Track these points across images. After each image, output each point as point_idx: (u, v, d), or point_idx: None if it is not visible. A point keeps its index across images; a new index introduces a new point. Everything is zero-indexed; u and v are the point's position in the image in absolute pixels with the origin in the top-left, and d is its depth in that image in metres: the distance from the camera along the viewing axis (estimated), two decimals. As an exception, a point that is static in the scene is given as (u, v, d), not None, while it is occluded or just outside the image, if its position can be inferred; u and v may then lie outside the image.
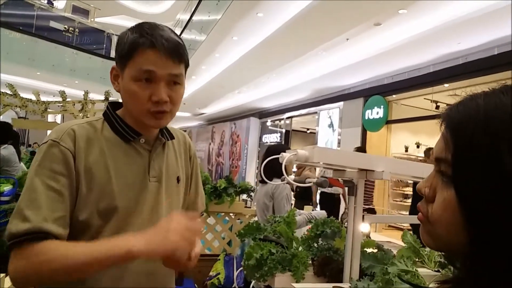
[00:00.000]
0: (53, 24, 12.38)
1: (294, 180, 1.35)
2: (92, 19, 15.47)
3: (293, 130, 11.79)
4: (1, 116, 11.17)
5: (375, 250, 1.50)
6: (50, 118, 13.53)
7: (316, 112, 9.65)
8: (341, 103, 8.49)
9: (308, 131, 12.22)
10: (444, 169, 0.45)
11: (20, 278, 0.81)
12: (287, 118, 11.36)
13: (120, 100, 1.02)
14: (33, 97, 10.53)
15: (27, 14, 12.66)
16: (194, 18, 9.09)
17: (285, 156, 1.26)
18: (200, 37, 8.04)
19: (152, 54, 0.90)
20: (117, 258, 0.79)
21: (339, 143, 8.58)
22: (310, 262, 1.47)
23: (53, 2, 14.44)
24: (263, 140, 12.75)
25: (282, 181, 1.63)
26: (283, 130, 11.64)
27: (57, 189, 0.86)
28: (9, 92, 10.20)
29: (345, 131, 8.38)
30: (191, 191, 1.17)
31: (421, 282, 1.23)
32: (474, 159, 0.41)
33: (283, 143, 11.42)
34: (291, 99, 10.45)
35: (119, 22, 16.16)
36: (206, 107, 13.97)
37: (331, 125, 9.00)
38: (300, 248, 1.53)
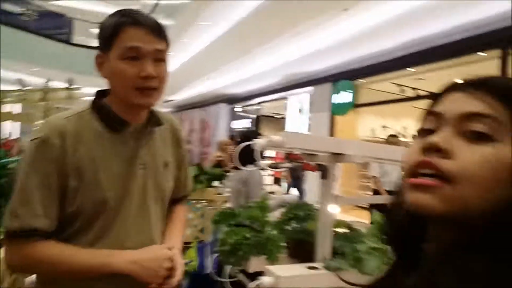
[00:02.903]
0: (8, 6, 11.62)
1: (268, 165, 1.36)
2: (51, 2, 14.66)
3: (263, 115, 11.83)
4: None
5: (346, 230, 1.56)
6: (8, 108, 12.81)
7: (285, 98, 9.71)
8: (310, 88, 8.58)
9: (278, 116, 12.29)
10: (482, 128, 0.44)
11: (15, 268, 1.00)
12: (257, 103, 11.36)
13: (101, 88, 1.03)
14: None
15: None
16: (161, 2, 8.82)
17: (259, 142, 1.27)
18: (168, 21, 7.82)
19: (136, 31, 0.93)
20: (98, 269, 0.90)
21: (308, 128, 8.71)
22: (284, 244, 1.51)
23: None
24: (233, 126, 12.72)
25: (255, 167, 1.65)
26: (253, 116, 11.65)
27: (47, 185, 0.90)
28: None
29: (314, 115, 8.50)
30: (182, 173, 1.20)
31: (390, 259, 1.29)
32: None
33: (253, 128, 11.46)
34: (260, 85, 10.44)
35: (80, 5, 15.38)
36: (174, 94, 13.71)
37: (300, 110, 9.09)
38: (274, 232, 1.55)
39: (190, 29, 7.16)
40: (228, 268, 1.51)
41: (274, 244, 1.44)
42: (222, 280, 1.48)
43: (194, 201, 3.31)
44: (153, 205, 1.05)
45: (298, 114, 9.17)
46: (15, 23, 11.43)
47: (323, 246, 1.40)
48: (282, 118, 10.35)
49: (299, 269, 1.31)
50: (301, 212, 1.60)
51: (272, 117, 12.77)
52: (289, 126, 9.56)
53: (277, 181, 10.42)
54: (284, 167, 1.55)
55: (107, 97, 1.02)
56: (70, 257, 0.90)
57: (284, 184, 9.45)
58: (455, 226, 0.46)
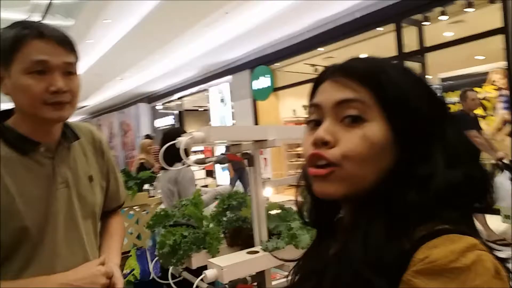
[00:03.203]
0: None
1: (195, 162, 1.37)
2: None
3: (185, 110, 11.66)
4: None
5: (279, 211, 1.63)
6: None
7: (206, 89, 9.66)
8: (230, 76, 8.64)
9: (201, 109, 12.19)
10: (354, 111, 0.51)
11: None
12: (178, 99, 11.14)
13: (7, 107, 0.94)
14: None
15: None
16: (54, 1, 8.10)
17: (182, 141, 1.26)
18: (67, 22, 7.23)
19: (42, 44, 0.86)
20: None
21: (233, 116, 8.79)
22: (222, 235, 1.54)
23: None
24: (156, 125, 12.33)
25: (183, 165, 1.64)
26: (176, 112, 11.41)
27: None
28: None
29: (236, 103, 8.59)
30: (112, 184, 1.15)
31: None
32: (401, 93, 0.51)
33: (176, 125, 11.23)
34: (179, 79, 10.23)
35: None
36: (86, 99, 12.83)
37: (222, 100, 9.13)
38: (211, 225, 1.57)
39: (93, 28, 6.72)
40: (170, 269, 1.50)
41: (213, 237, 1.46)
42: (166, 282, 1.47)
43: (127, 208, 3.18)
44: (83, 223, 1.00)
45: (221, 104, 9.19)
46: None
47: (259, 230, 1.45)
48: (206, 110, 10.29)
49: (240, 256, 1.35)
50: (234, 202, 1.63)
51: (196, 110, 12.64)
52: (213, 117, 9.55)
53: (209, 173, 10.39)
54: (212, 161, 1.57)
55: (12, 117, 0.93)
56: None
57: (221, 175, 9.45)
58: (354, 200, 0.53)
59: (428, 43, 5.23)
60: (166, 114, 12.01)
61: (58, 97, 0.88)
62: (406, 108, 0.51)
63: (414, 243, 0.44)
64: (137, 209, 3.22)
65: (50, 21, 8.75)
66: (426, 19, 5.28)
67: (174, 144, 1.28)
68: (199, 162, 1.36)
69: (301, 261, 0.66)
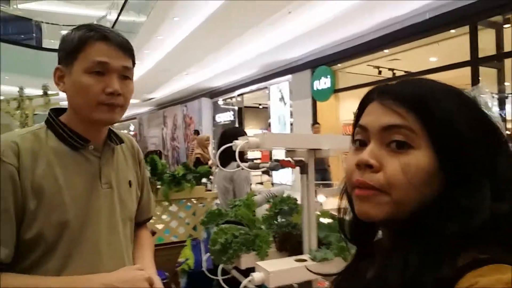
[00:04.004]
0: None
1: (248, 167, 1.41)
2: (15, 6, 14.18)
3: (245, 106, 11.85)
4: None
5: (330, 220, 1.62)
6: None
7: (266, 87, 9.74)
8: (290, 76, 8.63)
9: (261, 107, 12.32)
10: (400, 137, 0.51)
11: None
12: (239, 95, 11.36)
13: (62, 105, 0.99)
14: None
15: None
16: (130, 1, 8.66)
17: (238, 144, 1.31)
18: (140, 18, 7.72)
19: (104, 46, 0.90)
20: None
21: (291, 115, 8.77)
22: (272, 239, 1.56)
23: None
24: (216, 120, 12.70)
25: (237, 166, 1.67)
26: (236, 108, 11.65)
27: (4, 209, 0.82)
28: None
29: (295, 103, 8.56)
30: (145, 195, 1.17)
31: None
32: (449, 122, 0.50)
33: (236, 121, 11.46)
34: (240, 76, 10.43)
35: (48, 8, 14.93)
36: (154, 92, 13.57)
37: (282, 98, 9.15)
38: (262, 227, 1.61)
39: (163, 25, 7.09)
40: (220, 266, 1.56)
41: (263, 240, 1.49)
42: (216, 278, 1.54)
43: (185, 200, 3.34)
44: (122, 226, 1.01)
45: (280, 103, 9.22)
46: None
47: (309, 238, 1.46)
48: (265, 108, 10.39)
49: (287, 263, 1.37)
50: (285, 207, 1.65)
51: (256, 107, 12.81)
52: (273, 115, 9.61)
53: (266, 171, 10.48)
54: (264, 167, 1.59)
55: (64, 114, 0.97)
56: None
57: (277, 173, 9.46)
58: (395, 226, 0.53)
59: (507, 47, 4.80)
60: (227, 110, 12.31)
61: (112, 99, 0.91)
62: (454, 137, 0.50)
63: (457, 271, 0.44)
64: (194, 201, 3.37)
65: (124, 17, 9.37)
66: (507, 21, 4.84)
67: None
68: (253, 167, 1.39)
69: (341, 277, 0.67)
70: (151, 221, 3.32)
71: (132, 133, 22.76)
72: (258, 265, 1.33)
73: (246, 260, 1.47)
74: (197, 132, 8.04)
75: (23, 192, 0.84)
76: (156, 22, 6.98)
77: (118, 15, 9.66)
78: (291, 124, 8.79)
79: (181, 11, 6.33)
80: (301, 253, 1.47)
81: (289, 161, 1.38)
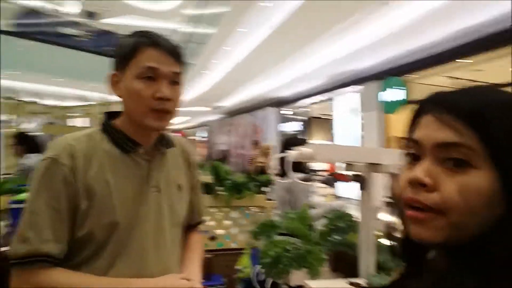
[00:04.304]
0: (65, 30, 12.64)
1: (300, 178, 1.35)
2: (101, 21, 15.65)
3: (312, 117, 11.69)
4: (31, 124, 11.60)
5: (392, 243, 1.49)
6: (75, 122, 13.88)
7: (331, 98, 9.52)
8: (359, 86, 8.33)
9: (327, 117, 12.07)
10: (458, 155, 0.47)
11: None
12: (305, 105, 11.25)
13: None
14: (57, 103, 10.87)
15: (40, 22, 13.00)
16: (202, 12, 9.07)
17: (291, 154, 1.26)
18: (209, 30, 8.04)
19: (154, 52, 0.93)
20: None
21: (362, 128, 8.44)
22: (326, 257, 1.48)
23: (61, 8, 14.67)
24: (282, 129, 12.70)
25: (294, 177, 1.60)
26: (302, 118, 11.55)
27: (57, 208, 0.87)
28: (35, 100, 10.56)
29: (364, 115, 8.23)
30: (196, 198, 1.18)
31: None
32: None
33: (302, 131, 11.36)
34: (307, 86, 10.33)
35: (128, 22, 16.24)
36: (223, 100, 14.01)
37: (349, 110, 8.86)
38: (315, 244, 1.53)
39: (231, 36, 7.29)
40: (270, 279, 1.51)
41: (315, 257, 1.42)
42: (265, 291, 1.49)
43: (244, 207, 3.35)
44: (169, 230, 1.01)
45: (348, 114, 8.94)
46: (71, 44, 12.34)
47: (366, 261, 1.35)
48: (331, 119, 10.16)
49: (340, 285, 1.27)
50: (342, 224, 1.55)
51: (322, 118, 12.59)
52: (336, 127, 9.35)
53: (331, 184, 10.22)
54: (319, 180, 1.51)
55: (118, 118, 1.02)
56: (81, 286, 0.85)
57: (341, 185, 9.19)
58: (451, 249, 0.51)
59: None
60: (293, 120, 12.26)
61: (162, 104, 0.93)
62: None
63: None
64: (254, 210, 3.37)
65: (195, 29, 9.83)
66: None
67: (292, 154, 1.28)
68: (305, 179, 1.33)
69: None
70: (211, 225, 3.38)
71: (204, 139, 23.71)
72: (307, 284, 1.26)
73: (296, 277, 1.41)
74: (255, 142, 8.16)
75: (75, 192, 0.88)
76: (225, 33, 7.21)
77: (190, 28, 10.17)
78: (362, 137, 8.45)
79: (248, 23, 6.46)
80: (356, 276, 1.36)
81: (343, 174, 1.29)
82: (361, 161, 1.31)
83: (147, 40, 0.94)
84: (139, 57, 0.93)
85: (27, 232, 0.84)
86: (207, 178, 3.38)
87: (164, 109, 0.94)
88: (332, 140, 9.82)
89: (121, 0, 15.29)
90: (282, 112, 12.77)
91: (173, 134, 1.15)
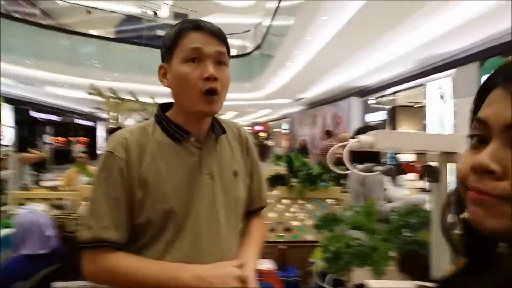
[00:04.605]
0: (159, 32, 13.68)
1: (361, 170, 1.24)
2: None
3: (399, 106, 10.93)
4: (130, 120, 12.90)
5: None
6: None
7: (422, 84, 8.76)
8: (453, 70, 7.53)
9: (417, 106, 11.17)
10: None
11: (91, 278, 0.96)
12: (391, 94, 10.56)
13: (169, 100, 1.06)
14: (150, 101, 11.89)
15: (138, 27, 14.29)
16: (281, 4, 9.04)
17: (350, 144, 1.16)
18: (289, 21, 7.97)
19: (197, 35, 0.95)
20: (166, 283, 0.88)
21: (454, 116, 7.66)
22: (393, 256, 1.35)
23: (157, 13, 15.92)
24: (366, 119, 12.13)
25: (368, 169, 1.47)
26: (388, 107, 10.88)
27: (115, 197, 0.93)
28: (131, 98, 11.68)
29: (460, 101, 7.42)
30: (255, 183, 1.16)
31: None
32: None
33: (388, 120, 10.72)
34: (393, 73, 9.68)
35: (216, 20, 16.98)
36: (304, 91, 13.86)
37: (442, 96, 8.07)
38: (381, 241, 1.41)
39: (311, 25, 7.12)
40: (331, 275, 1.43)
41: (381, 255, 1.30)
42: (325, 287, 1.42)
43: (320, 200, 3.27)
44: (224, 216, 1.02)
45: (440, 102, 8.16)
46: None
47: (439, 262, 1.19)
48: (422, 107, 9.37)
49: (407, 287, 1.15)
50: (413, 219, 1.40)
51: (411, 106, 11.70)
52: (429, 115, 8.60)
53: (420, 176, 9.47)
54: (378, 171, 1.37)
55: (170, 109, 1.04)
56: (139, 270, 0.90)
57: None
58: None
59: None
60: (378, 109, 11.63)
61: (210, 83, 0.93)
62: None
63: None
64: (329, 202, 3.26)
65: (276, 21, 9.85)
66: None
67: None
68: (366, 170, 1.22)
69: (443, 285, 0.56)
70: (286, 217, 3.35)
71: (284, 131, 23.87)
72: (368, 283, 1.16)
73: (358, 275, 1.31)
74: (328, 133, 7.84)
75: (131, 182, 0.94)
76: (304, 23, 7.07)
77: (272, 20, 10.22)
78: (455, 126, 7.66)
79: (328, 9, 6.24)
80: (427, 279, 1.22)
81: (410, 164, 1.15)
82: (433, 150, 1.16)
83: (189, 25, 0.96)
84: (183, 42, 0.95)
85: (90, 220, 0.92)
86: (281, 169, 3.36)
87: (212, 88, 0.94)
88: (423, 130, 9.08)
89: (208, 0, 16.17)
90: (366, 101, 12.19)
91: (228, 120, 1.15)
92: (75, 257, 1.02)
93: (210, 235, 0.98)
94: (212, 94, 0.94)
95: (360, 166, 1.23)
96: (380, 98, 11.36)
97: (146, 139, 0.98)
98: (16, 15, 11.81)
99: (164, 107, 1.06)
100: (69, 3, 14.00)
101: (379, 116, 11.45)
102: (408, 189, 3.77)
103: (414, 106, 11.09)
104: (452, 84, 7.66)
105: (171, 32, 0.98)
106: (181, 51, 0.95)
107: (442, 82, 8.03)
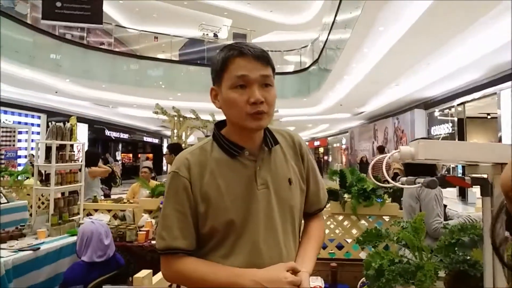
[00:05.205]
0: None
1: (401, 182, 1.17)
2: (252, 41, 17.08)
3: (468, 117, 10.16)
4: (192, 137, 13.49)
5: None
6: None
7: (495, 93, 8.07)
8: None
9: (489, 117, 10.30)
10: None
11: (168, 279, 1.13)
12: (459, 104, 9.86)
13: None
14: (210, 118, 12.34)
15: (200, 49, 15.02)
16: (337, 18, 8.96)
17: (393, 155, 1.12)
18: (346, 35, 7.86)
19: (242, 61, 1.01)
20: (228, 285, 0.98)
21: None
22: (444, 275, 1.25)
23: (217, 34, 16.62)
24: (432, 132, 11.42)
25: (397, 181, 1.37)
26: (455, 119, 10.16)
27: (182, 212, 1.04)
28: (193, 116, 12.23)
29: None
30: (312, 188, 1.19)
31: None
32: None
33: (456, 133, 9.99)
34: (460, 82, 9.06)
35: (273, 39, 17.29)
36: (364, 105, 13.47)
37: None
38: (431, 259, 1.31)
39: (367, 37, 6.96)
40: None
41: (427, 274, 1.21)
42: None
43: (376, 217, 3.13)
44: (280, 223, 1.07)
45: (514, 111, 7.45)
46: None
47: (493, 284, 1.09)
48: (494, 118, 8.62)
49: (454, 309, 1.06)
50: (465, 237, 1.29)
51: (482, 118, 10.82)
52: (504, 126, 7.87)
53: (462, 192, 8.77)
54: (419, 183, 1.25)
55: (225, 128, 1.12)
56: (206, 273, 1.02)
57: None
58: None
59: None
60: (444, 121, 10.91)
61: (257, 107, 0.99)
62: None
63: None
64: (386, 219, 3.11)
65: (333, 35, 9.76)
66: None
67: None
68: (407, 183, 1.15)
69: None
70: (340, 234, 3.23)
71: (344, 146, 23.28)
72: (410, 304, 1.08)
73: (402, 294, 1.23)
74: (381, 148, 7.62)
75: (194, 198, 1.05)
76: (361, 34, 6.93)
77: (328, 35, 10.16)
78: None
79: (385, 20, 6.06)
80: (479, 301, 1.11)
81: (458, 177, 1.06)
82: (481, 161, 1.07)
83: (234, 51, 1.02)
84: (229, 69, 1.01)
85: (162, 232, 1.05)
86: (335, 184, 3.28)
87: (259, 111, 1.01)
88: (498, 142, 8.33)
89: (265, 18, 16.57)
90: (431, 113, 11.50)
91: (283, 128, 1.21)
92: (132, 265, 1.14)
93: (267, 241, 1.05)
94: (259, 114, 1.02)
95: (403, 179, 1.17)
96: (446, 110, 10.66)
97: (205, 158, 1.08)
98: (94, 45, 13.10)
99: (219, 126, 1.15)
100: (139, 31, 15.21)
101: (446, 129, 10.73)
102: (476, 207, 3.45)
103: (487, 117, 10.24)
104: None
105: (219, 57, 1.05)
106: (228, 78, 1.02)
107: (518, 90, 7.34)
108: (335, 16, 9.14)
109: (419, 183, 1.08)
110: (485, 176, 1.13)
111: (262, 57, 1.02)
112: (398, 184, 1.17)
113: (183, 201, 1.03)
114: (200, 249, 1.07)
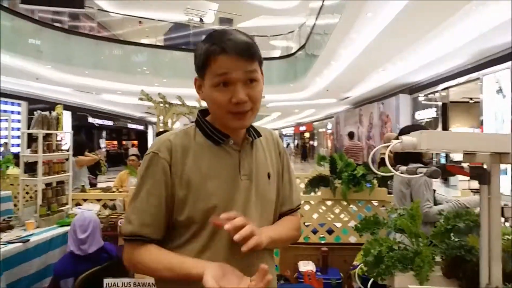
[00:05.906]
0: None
1: (402, 171, 1.19)
2: (237, 26, 16.84)
3: (451, 102, 10.34)
4: (177, 123, 13.37)
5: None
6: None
7: (478, 78, 8.22)
8: (509, 62, 7.01)
9: (472, 101, 10.50)
10: None
11: (127, 265, 1.04)
12: (443, 89, 10.02)
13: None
14: (197, 104, 12.22)
15: (185, 34, 14.76)
16: (325, 3, 8.90)
17: (394, 145, 1.13)
18: (333, 20, 7.82)
19: (224, 59, 0.95)
20: (183, 276, 0.92)
21: (513, 111, 7.12)
22: (440, 261, 1.28)
23: (203, 19, 16.32)
24: (416, 117, 11.60)
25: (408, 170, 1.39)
26: (439, 104, 10.33)
27: (157, 196, 0.98)
28: (179, 102, 12.09)
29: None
30: (285, 186, 1.18)
31: None
32: None
33: (440, 118, 10.18)
34: (445, 68, 9.18)
35: (260, 23, 17.08)
36: (350, 90, 13.54)
37: (499, 90, 7.53)
38: (429, 245, 1.34)
39: (356, 23, 6.95)
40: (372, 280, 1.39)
41: (425, 259, 1.24)
42: (367, 293, 1.38)
43: (365, 201, 3.18)
44: (258, 217, 1.04)
45: (497, 96, 7.62)
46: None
47: (489, 269, 1.12)
48: (477, 102, 8.80)
49: (453, 294, 1.09)
50: (461, 224, 1.32)
51: (465, 102, 11.03)
52: (486, 111, 8.06)
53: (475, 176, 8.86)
54: (421, 172, 1.29)
55: (210, 115, 1.08)
56: (161, 263, 0.96)
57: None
58: None
59: None
60: (429, 106, 11.08)
61: (240, 107, 0.96)
62: None
63: None
64: (375, 204, 3.16)
65: (321, 20, 9.71)
66: None
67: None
68: (409, 172, 1.17)
69: None
70: (329, 218, 3.26)
71: (329, 131, 23.46)
72: (409, 289, 1.11)
73: (401, 280, 1.26)
74: (351, 134, 7.98)
75: (172, 183, 0.98)
76: (349, 20, 6.91)
77: (316, 19, 10.10)
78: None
79: (374, 5, 6.05)
80: (476, 285, 1.14)
81: (458, 166, 1.08)
82: (481, 150, 1.09)
83: (216, 48, 0.95)
84: (211, 66, 0.96)
85: (132, 215, 0.99)
86: (324, 170, 3.31)
87: (242, 110, 0.97)
88: (478, 127, 8.53)
89: (252, 3, 16.31)
90: (415, 98, 11.66)
91: (262, 126, 1.19)
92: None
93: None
94: (242, 114, 0.98)
95: (403, 167, 1.18)
96: (430, 95, 10.83)
97: (188, 142, 1.03)
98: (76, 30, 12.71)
99: (204, 112, 1.10)
100: (122, 15, 14.79)
101: (430, 113, 10.91)
102: (461, 190, 3.54)
103: (470, 101, 10.44)
104: (511, 76, 7.12)
105: (201, 51, 0.99)
106: (211, 77, 0.97)
107: (500, 75, 7.49)
108: (323, 0, 9.07)
109: (421, 172, 1.10)
110: (482, 164, 1.16)
111: (247, 52, 0.96)
112: (398, 173, 1.19)
113: (160, 185, 0.97)
114: (172, 242, 1.01)
